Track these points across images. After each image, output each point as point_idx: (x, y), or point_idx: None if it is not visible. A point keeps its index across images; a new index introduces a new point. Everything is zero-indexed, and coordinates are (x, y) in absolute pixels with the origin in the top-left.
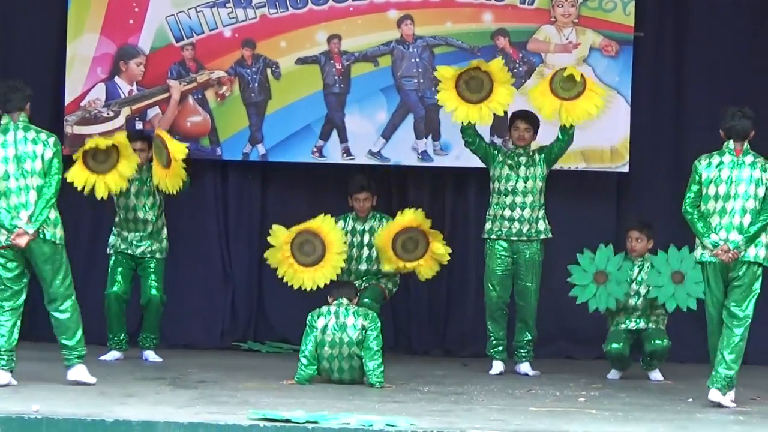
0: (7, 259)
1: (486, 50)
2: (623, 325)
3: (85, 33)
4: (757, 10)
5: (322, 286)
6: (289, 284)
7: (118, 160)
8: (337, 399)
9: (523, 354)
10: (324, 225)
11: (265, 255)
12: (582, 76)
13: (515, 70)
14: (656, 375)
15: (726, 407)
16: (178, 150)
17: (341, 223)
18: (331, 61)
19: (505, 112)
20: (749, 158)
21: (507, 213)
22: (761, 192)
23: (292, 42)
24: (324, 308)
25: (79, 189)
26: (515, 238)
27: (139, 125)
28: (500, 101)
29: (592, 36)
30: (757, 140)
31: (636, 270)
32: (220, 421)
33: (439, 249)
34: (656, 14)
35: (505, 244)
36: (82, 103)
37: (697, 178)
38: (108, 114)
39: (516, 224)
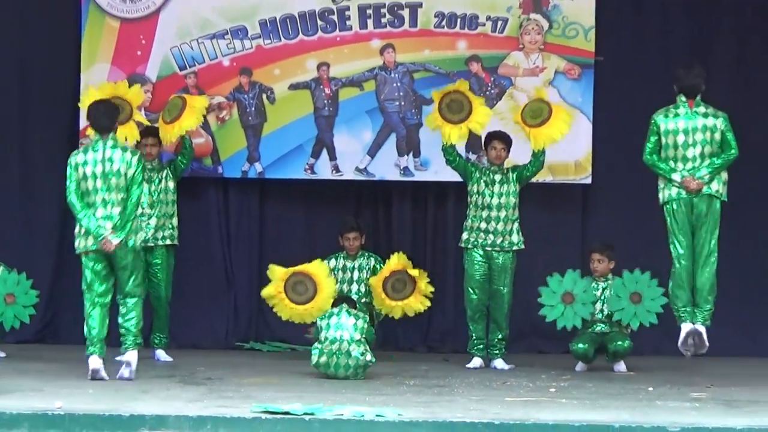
0: (95, 261)
1: (461, 75)
2: (590, 329)
3: (97, 63)
4: (706, 34)
5: (308, 322)
6: (279, 315)
7: (132, 112)
8: (332, 393)
9: (496, 351)
10: (320, 271)
11: (262, 293)
12: (548, 104)
13: (488, 93)
14: (620, 366)
15: (705, 344)
16: (198, 100)
17: (333, 261)
18: (321, 87)
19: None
20: (701, 109)
21: (483, 225)
22: (717, 137)
23: (285, 70)
24: (327, 311)
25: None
26: (489, 248)
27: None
28: (479, 121)
29: (557, 61)
30: None
31: (600, 290)
32: (226, 414)
33: (426, 287)
34: (614, 40)
35: (481, 252)
36: None
37: (656, 129)
38: None
39: (491, 236)
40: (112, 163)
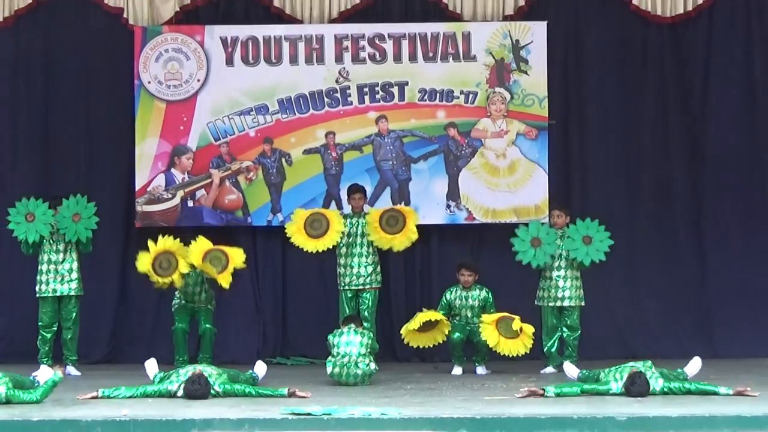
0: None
1: (441, 138)
2: (551, 303)
3: (148, 137)
4: (632, 102)
5: (316, 251)
6: (294, 243)
7: (177, 264)
8: (344, 397)
9: (477, 361)
10: (334, 215)
11: (285, 226)
12: (521, 328)
13: (462, 152)
14: (571, 371)
15: None
16: (237, 255)
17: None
18: (329, 151)
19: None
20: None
21: (461, 325)
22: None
23: (300, 138)
24: (338, 330)
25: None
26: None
27: (190, 203)
28: (446, 331)
29: (518, 125)
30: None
31: (558, 238)
32: (260, 417)
33: (413, 228)
34: (563, 108)
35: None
36: (148, 189)
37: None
38: (167, 196)
39: (469, 328)
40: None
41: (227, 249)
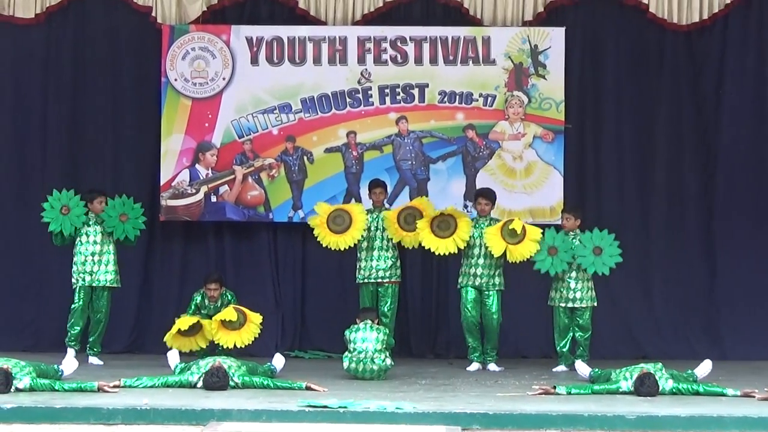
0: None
1: (459, 140)
2: (563, 303)
3: (173, 133)
4: (647, 107)
5: (340, 249)
6: (319, 240)
7: (201, 328)
8: (360, 390)
9: (490, 358)
10: (357, 212)
11: (309, 222)
12: (523, 228)
13: (480, 153)
14: (583, 369)
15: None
16: (255, 317)
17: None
18: (349, 150)
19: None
20: None
21: (472, 270)
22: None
23: (321, 137)
24: (354, 326)
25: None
26: (479, 287)
27: (213, 198)
28: (462, 237)
29: (535, 128)
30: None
31: (572, 243)
32: (277, 408)
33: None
34: (579, 112)
35: (473, 289)
36: (173, 184)
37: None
38: (191, 191)
39: (479, 278)
40: None
41: (248, 312)
